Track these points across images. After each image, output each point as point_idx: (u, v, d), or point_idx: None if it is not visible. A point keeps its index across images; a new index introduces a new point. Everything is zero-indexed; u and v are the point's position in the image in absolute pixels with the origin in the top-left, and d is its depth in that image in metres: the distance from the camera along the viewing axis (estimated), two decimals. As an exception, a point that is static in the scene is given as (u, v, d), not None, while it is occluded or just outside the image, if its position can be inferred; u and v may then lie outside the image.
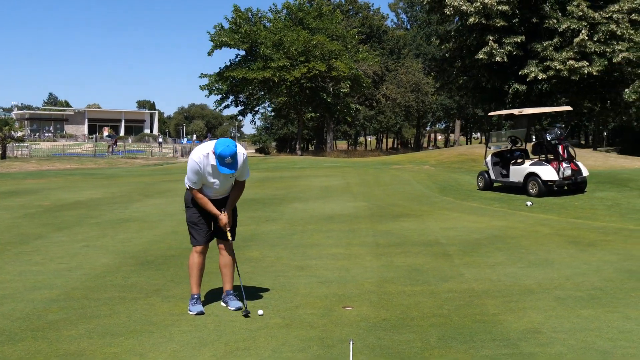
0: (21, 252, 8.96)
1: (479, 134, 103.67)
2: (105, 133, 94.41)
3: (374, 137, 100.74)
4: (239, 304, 5.86)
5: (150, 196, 16.60)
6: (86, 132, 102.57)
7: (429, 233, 10.28)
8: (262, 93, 48.99)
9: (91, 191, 18.23)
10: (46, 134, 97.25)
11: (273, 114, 61.06)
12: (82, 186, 20.28)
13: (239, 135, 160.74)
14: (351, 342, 4.79)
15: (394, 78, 71.51)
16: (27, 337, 5.15)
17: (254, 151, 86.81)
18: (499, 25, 34.12)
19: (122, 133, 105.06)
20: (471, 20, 34.49)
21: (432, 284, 6.79)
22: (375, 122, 75.41)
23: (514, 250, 8.62)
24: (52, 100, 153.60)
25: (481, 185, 17.15)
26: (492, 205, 14.12)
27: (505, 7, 33.89)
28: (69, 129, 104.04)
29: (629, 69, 35.90)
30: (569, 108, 17.95)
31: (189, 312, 5.74)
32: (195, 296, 5.86)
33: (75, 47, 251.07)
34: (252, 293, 6.37)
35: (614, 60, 34.22)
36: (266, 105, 53.25)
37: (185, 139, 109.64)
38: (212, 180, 5.68)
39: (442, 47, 40.68)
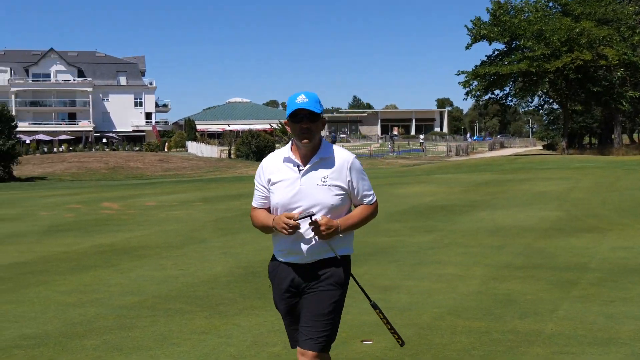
0: (167, 256, 9.70)
1: None
2: (395, 132, 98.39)
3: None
4: None
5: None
6: (379, 132, 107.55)
7: (590, 253, 8.73)
8: (518, 88, 46.39)
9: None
10: (341, 135, 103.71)
11: (549, 106, 57.32)
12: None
13: (533, 130, 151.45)
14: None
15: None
16: (53, 342, 5.53)
17: (541, 147, 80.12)
18: None
19: (412, 132, 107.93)
20: None
21: (504, 320, 5.73)
22: None
23: (668, 283, 6.88)
24: (356, 103, 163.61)
25: None
26: None
27: None
28: (362, 129, 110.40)
29: None
30: None
31: None
32: None
33: (378, 54, 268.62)
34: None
35: None
36: (529, 100, 50.36)
37: (471, 137, 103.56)
38: None
39: None
